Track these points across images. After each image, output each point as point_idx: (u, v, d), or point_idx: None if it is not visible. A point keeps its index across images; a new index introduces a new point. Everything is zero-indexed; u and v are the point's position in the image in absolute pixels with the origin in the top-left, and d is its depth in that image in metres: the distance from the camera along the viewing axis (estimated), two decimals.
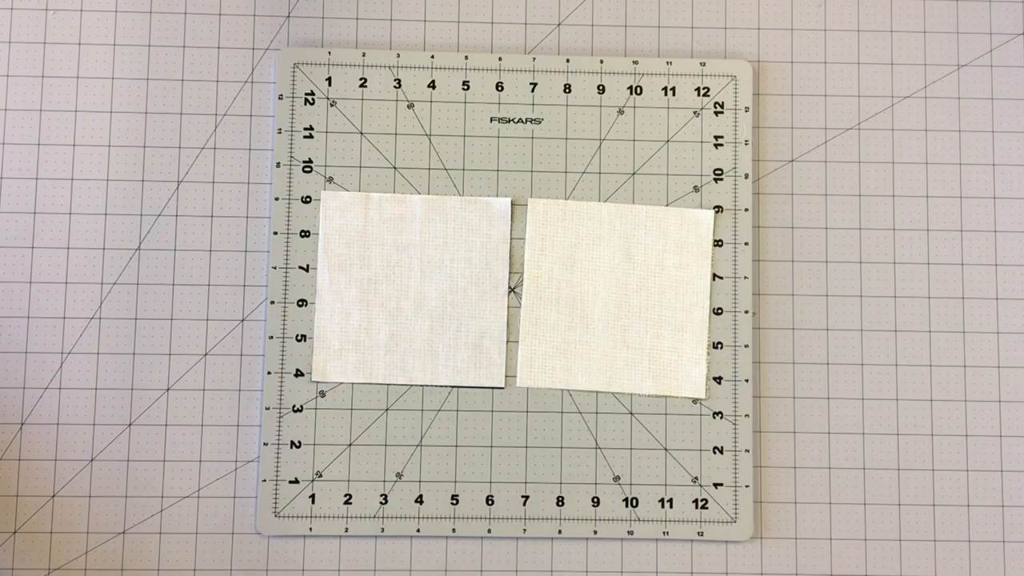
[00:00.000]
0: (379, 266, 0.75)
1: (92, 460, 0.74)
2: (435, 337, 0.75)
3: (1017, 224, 0.78)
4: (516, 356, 0.75)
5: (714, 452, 0.75)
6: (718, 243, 0.77)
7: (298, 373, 0.74)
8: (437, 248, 0.76)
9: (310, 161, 0.76)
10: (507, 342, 0.75)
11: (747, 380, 0.76)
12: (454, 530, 0.74)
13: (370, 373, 0.75)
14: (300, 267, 0.75)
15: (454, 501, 0.74)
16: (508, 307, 0.76)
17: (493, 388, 0.75)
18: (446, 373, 0.75)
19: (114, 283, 0.76)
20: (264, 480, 0.74)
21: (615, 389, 0.75)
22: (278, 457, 0.74)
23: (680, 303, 0.75)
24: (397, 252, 0.76)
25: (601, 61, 0.78)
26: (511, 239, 0.76)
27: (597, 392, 0.75)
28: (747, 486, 0.75)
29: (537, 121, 0.78)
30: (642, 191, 0.77)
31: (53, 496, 0.74)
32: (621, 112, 0.78)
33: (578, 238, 0.76)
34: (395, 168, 0.77)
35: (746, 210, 0.77)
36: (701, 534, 0.75)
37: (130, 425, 0.74)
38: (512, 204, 0.76)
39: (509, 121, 0.77)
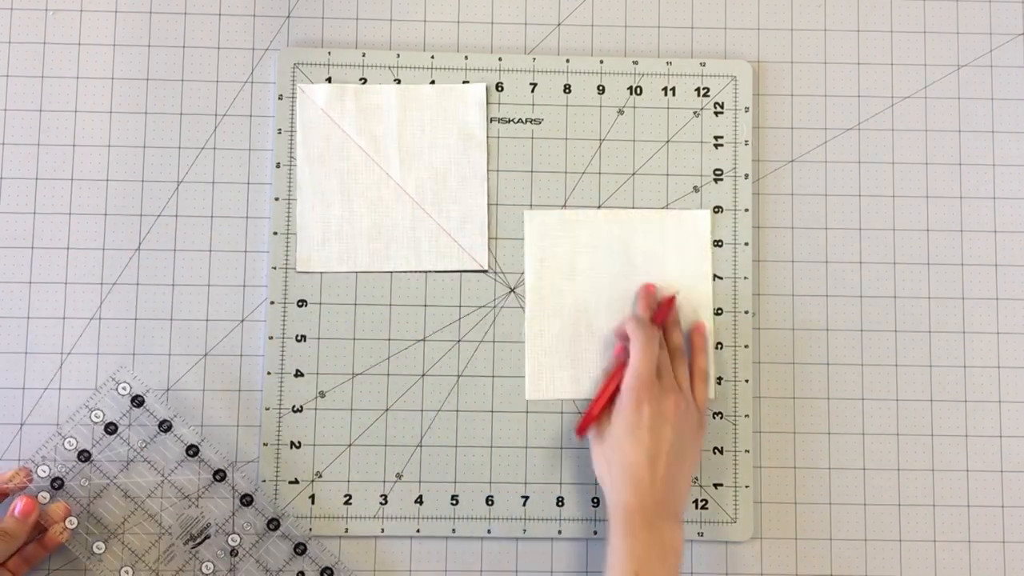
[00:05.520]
0: (357, 157, 0.76)
1: (92, 460, 0.74)
2: (417, 224, 0.76)
3: (1017, 224, 0.78)
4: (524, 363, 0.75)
5: (714, 452, 0.75)
6: (718, 243, 0.77)
7: (298, 373, 0.74)
8: (415, 137, 0.76)
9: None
10: (488, 226, 0.76)
11: (747, 380, 0.76)
12: (454, 530, 0.74)
13: (354, 262, 0.75)
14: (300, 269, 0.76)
15: (454, 501, 0.74)
16: (488, 192, 0.76)
17: (475, 272, 0.76)
18: (430, 259, 0.75)
19: (114, 283, 0.76)
20: (264, 480, 0.74)
21: None
22: (278, 457, 0.74)
23: (685, 304, 0.75)
24: (375, 142, 0.76)
25: (601, 61, 0.78)
26: (487, 123, 0.76)
27: None
28: (747, 486, 0.75)
29: (537, 121, 0.78)
30: (642, 191, 0.77)
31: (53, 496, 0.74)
32: (621, 112, 0.78)
33: (577, 247, 0.76)
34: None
35: (746, 210, 0.77)
36: (701, 534, 0.75)
37: (130, 426, 0.74)
38: (486, 90, 0.77)
39: (509, 121, 0.77)
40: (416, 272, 0.75)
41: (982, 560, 0.75)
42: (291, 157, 0.76)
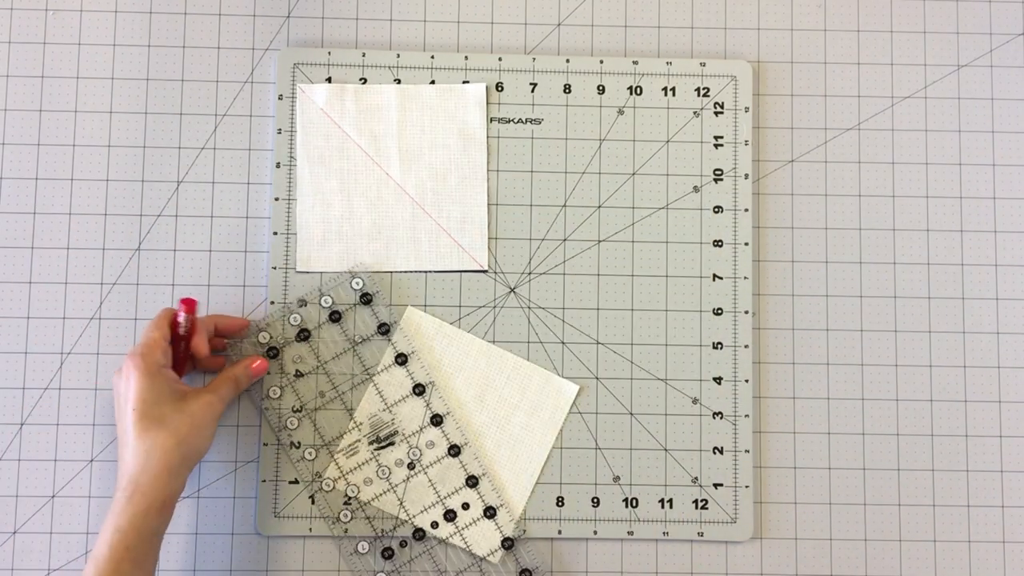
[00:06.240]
0: (357, 157, 0.76)
1: (92, 460, 0.74)
2: (417, 224, 0.76)
3: (1017, 224, 0.78)
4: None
5: (714, 452, 0.75)
6: (718, 243, 0.77)
7: (298, 374, 0.74)
8: (415, 137, 0.76)
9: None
10: (488, 226, 0.76)
11: (747, 380, 0.76)
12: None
13: (353, 262, 0.75)
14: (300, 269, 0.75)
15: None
16: (488, 192, 0.76)
17: (475, 272, 0.76)
18: (430, 259, 0.75)
19: (114, 283, 0.76)
20: (264, 480, 0.74)
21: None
22: (278, 457, 0.74)
23: (512, 465, 0.74)
24: (375, 142, 0.76)
25: (601, 61, 0.78)
26: (487, 123, 0.76)
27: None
28: (747, 486, 0.75)
29: (537, 121, 0.78)
30: (642, 191, 0.77)
31: (53, 496, 0.74)
32: (621, 112, 0.78)
33: (441, 361, 0.75)
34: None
35: (746, 210, 0.77)
36: (701, 534, 0.75)
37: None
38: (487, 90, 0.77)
39: (509, 121, 0.77)
40: (416, 272, 0.76)
41: (982, 560, 0.75)
42: (291, 157, 0.76)
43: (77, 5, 0.78)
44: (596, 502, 0.75)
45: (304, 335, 0.74)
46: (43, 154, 0.76)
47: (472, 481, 0.73)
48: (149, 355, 0.66)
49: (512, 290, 0.76)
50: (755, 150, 0.78)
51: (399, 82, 0.77)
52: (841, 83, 0.79)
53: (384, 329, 0.74)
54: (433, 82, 0.77)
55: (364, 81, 0.77)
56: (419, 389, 0.74)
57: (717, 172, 0.77)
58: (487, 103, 0.77)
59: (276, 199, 0.76)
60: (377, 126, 0.76)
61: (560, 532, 0.74)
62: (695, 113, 0.78)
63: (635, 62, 0.78)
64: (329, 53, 0.77)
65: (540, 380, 0.75)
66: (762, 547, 0.75)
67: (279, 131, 0.76)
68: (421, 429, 0.74)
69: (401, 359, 0.74)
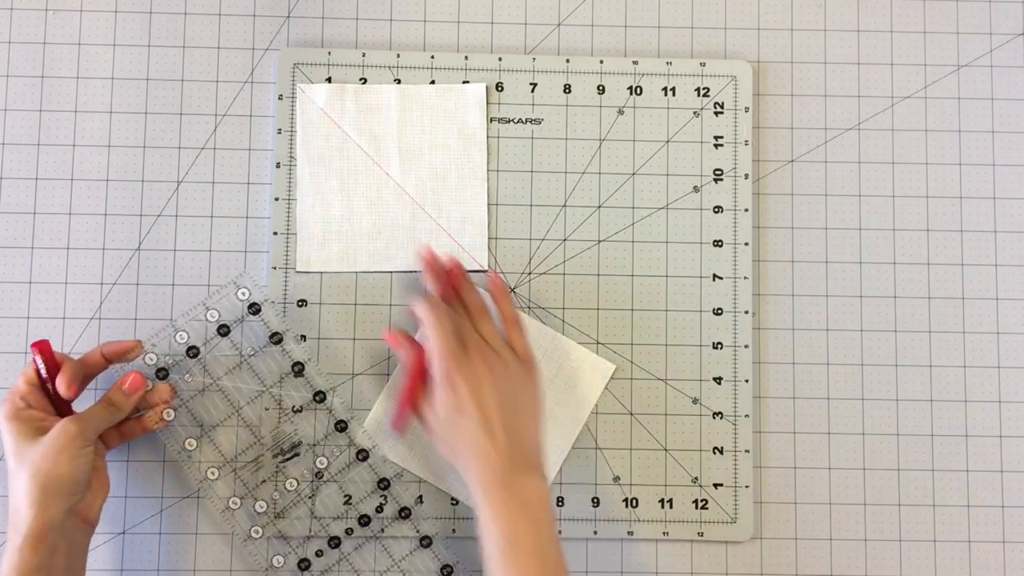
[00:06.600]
0: (357, 157, 0.76)
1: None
2: (417, 224, 0.76)
3: (1017, 224, 0.78)
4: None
5: (714, 452, 0.75)
6: (718, 243, 0.77)
7: (298, 374, 0.74)
8: (415, 136, 0.76)
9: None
10: (488, 226, 0.76)
11: (747, 380, 0.76)
12: (454, 531, 0.74)
13: (354, 262, 0.75)
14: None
15: (453, 502, 0.74)
16: (488, 192, 0.76)
17: (476, 272, 0.75)
18: None
19: (114, 283, 0.76)
20: (264, 480, 0.74)
21: None
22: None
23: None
24: (375, 142, 0.76)
25: (601, 61, 0.78)
26: (487, 123, 0.76)
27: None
28: (747, 486, 0.75)
29: (537, 121, 0.78)
30: (642, 191, 0.77)
31: None
32: (621, 112, 0.78)
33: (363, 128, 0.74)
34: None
35: (746, 210, 0.77)
36: (701, 534, 0.75)
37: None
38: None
39: (509, 121, 0.77)
40: (417, 272, 0.75)
41: (982, 560, 0.75)
42: (291, 157, 0.76)
43: (77, 5, 0.78)
44: (596, 502, 0.75)
45: (193, 352, 0.73)
46: (43, 154, 0.76)
47: (384, 484, 0.73)
48: (8, 401, 0.67)
49: (512, 290, 0.76)
50: (755, 150, 0.78)
51: (399, 82, 0.77)
52: (841, 83, 0.79)
53: (277, 339, 0.73)
54: (433, 82, 0.77)
55: (364, 81, 0.77)
56: (319, 396, 0.73)
57: (717, 172, 0.77)
58: (487, 104, 0.77)
59: (276, 199, 0.76)
60: (377, 126, 0.76)
61: (560, 532, 0.74)
62: (695, 113, 0.78)
63: (635, 62, 0.78)
64: (329, 53, 0.77)
65: (578, 356, 0.75)
66: (762, 547, 0.75)
67: (279, 131, 0.76)
68: (326, 437, 0.73)
69: (298, 368, 0.73)
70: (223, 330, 0.73)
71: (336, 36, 0.78)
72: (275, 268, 0.75)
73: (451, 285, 0.71)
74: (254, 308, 0.73)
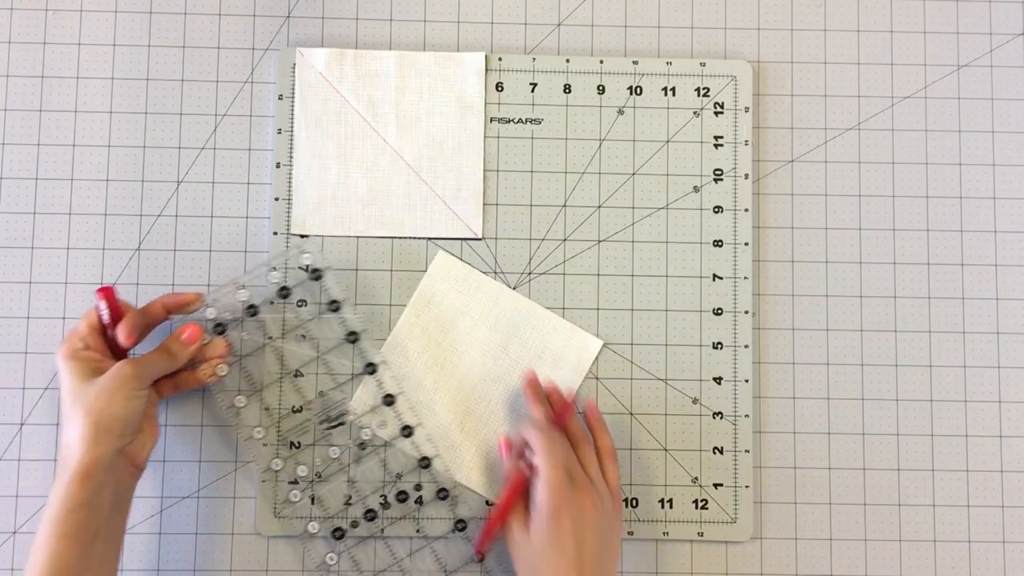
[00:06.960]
0: (355, 122, 0.76)
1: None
2: (413, 191, 0.76)
3: (1017, 224, 0.78)
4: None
5: (714, 452, 0.75)
6: (718, 243, 0.77)
7: (298, 374, 0.74)
8: (412, 103, 0.76)
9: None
10: (483, 194, 0.76)
11: (747, 380, 0.76)
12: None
13: (349, 226, 0.75)
14: (300, 267, 0.75)
15: (453, 503, 0.74)
16: (484, 160, 0.76)
17: (470, 240, 0.76)
18: (424, 226, 0.76)
19: (114, 283, 0.76)
20: (264, 480, 0.74)
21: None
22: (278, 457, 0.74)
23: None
24: (373, 107, 0.76)
25: (601, 61, 0.78)
26: (485, 92, 0.77)
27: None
28: (747, 486, 0.75)
29: (537, 121, 0.78)
30: (642, 191, 0.77)
31: None
32: (621, 112, 0.78)
33: (468, 307, 0.75)
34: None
35: (746, 210, 0.77)
36: (701, 534, 0.75)
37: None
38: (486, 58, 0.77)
39: (509, 121, 0.77)
40: (412, 239, 0.75)
41: (982, 560, 0.75)
42: (290, 157, 0.76)
43: (77, 5, 0.78)
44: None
45: (252, 311, 0.73)
46: (43, 154, 0.76)
47: (424, 463, 0.73)
48: (66, 342, 0.68)
49: (513, 290, 0.76)
50: (755, 150, 0.78)
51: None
52: (841, 83, 0.79)
53: (335, 306, 0.73)
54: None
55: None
56: (371, 368, 0.74)
57: (717, 172, 0.77)
58: (486, 103, 0.77)
59: (276, 199, 0.76)
60: (375, 92, 0.76)
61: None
62: (695, 113, 0.78)
63: (635, 62, 0.78)
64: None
65: (566, 333, 0.75)
66: (762, 547, 0.75)
67: (279, 131, 0.76)
68: (373, 409, 0.74)
69: (352, 337, 0.74)
70: (284, 292, 0.74)
71: (336, 36, 0.78)
72: (276, 233, 0.75)
73: (560, 421, 0.70)
74: (315, 275, 0.74)
